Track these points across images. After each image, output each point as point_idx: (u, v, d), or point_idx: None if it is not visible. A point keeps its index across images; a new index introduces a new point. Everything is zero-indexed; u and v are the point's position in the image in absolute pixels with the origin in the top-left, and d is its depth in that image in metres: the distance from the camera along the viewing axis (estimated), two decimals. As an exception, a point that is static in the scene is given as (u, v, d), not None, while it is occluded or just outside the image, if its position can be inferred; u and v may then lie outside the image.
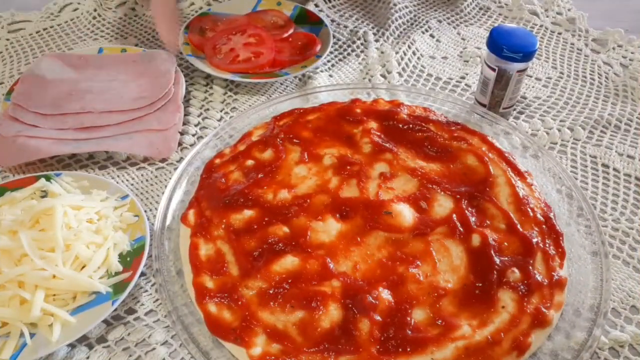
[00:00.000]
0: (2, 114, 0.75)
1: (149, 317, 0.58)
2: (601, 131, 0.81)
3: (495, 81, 0.75)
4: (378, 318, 0.53)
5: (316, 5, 1.03)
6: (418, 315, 0.55)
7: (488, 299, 0.56)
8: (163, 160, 0.74)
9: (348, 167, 0.67)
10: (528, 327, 0.53)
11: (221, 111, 0.83)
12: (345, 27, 0.99)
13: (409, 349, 0.52)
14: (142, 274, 0.61)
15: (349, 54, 0.94)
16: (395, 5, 1.03)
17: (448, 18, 1.04)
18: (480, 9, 1.08)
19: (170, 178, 0.68)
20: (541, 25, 1.02)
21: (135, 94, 0.79)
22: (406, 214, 0.62)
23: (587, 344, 0.53)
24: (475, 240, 0.60)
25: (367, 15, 1.03)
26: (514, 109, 0.82)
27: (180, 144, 0.76)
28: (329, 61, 0.92)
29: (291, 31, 0.94)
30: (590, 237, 0.62)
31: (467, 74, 0.91)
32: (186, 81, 0.85)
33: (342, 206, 0.62)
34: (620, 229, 0.68)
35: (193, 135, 0.78)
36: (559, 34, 1.00)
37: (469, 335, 0.53)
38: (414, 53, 0.94)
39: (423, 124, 0.73)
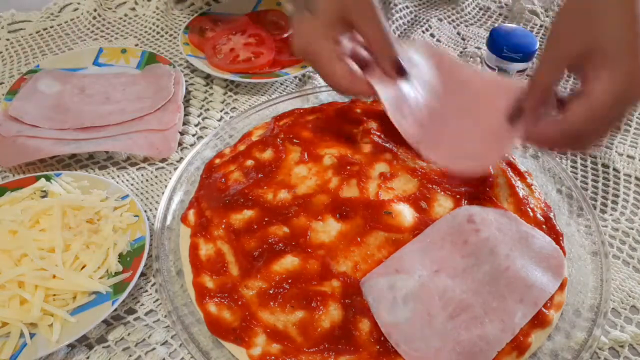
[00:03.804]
0: (2, 114, 0.75)
1: (149, 317, 0.58)
2: (601, 131, 0.81)
3: (495, 81, 0.75)
4: (378, 318, 0.53)
5: (316, 5, 1.03)
6: (418, 315, 0.55)
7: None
8: (163, 160, 0.74)
9: (348, 167, 0.67)
10: (528, 327, 0.53)
11: (221, 111, 0.83)
12: (345, 27, 0.99)
13: (409, 349, 0.52)
14: (142, 274, 0.61)
15: (349, 54, 0.94)
16: (395, 5, 1.03)
17: (448, 17, 1.04)
18: (480, 9, 1.08)
19: (170, 178, 0.68)
20: (541, 25, 1.02)
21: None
22: (406, 214, 0.62)
23: (587, 344, 0.53)
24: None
25: (367, 15, 1.03)
26: (514, 109, 0.82)
27: (180, 144, 0.76)
28: (329, 61, 0.92)
29: (291, 31, 0.94)
30: (590, 237, 0.62)
31: (467, 74, 0.91)
32: (186, 81, 0.85)
33: (342, 206, 0.62)
34: (620, 229, 0.68)
35: (193, 135, 0.78)
36: (559, 34, 1.00)
37: (469, 335, 0.53)
38: (414, 53, 0.94)
39: (423, 124, 0.73)
